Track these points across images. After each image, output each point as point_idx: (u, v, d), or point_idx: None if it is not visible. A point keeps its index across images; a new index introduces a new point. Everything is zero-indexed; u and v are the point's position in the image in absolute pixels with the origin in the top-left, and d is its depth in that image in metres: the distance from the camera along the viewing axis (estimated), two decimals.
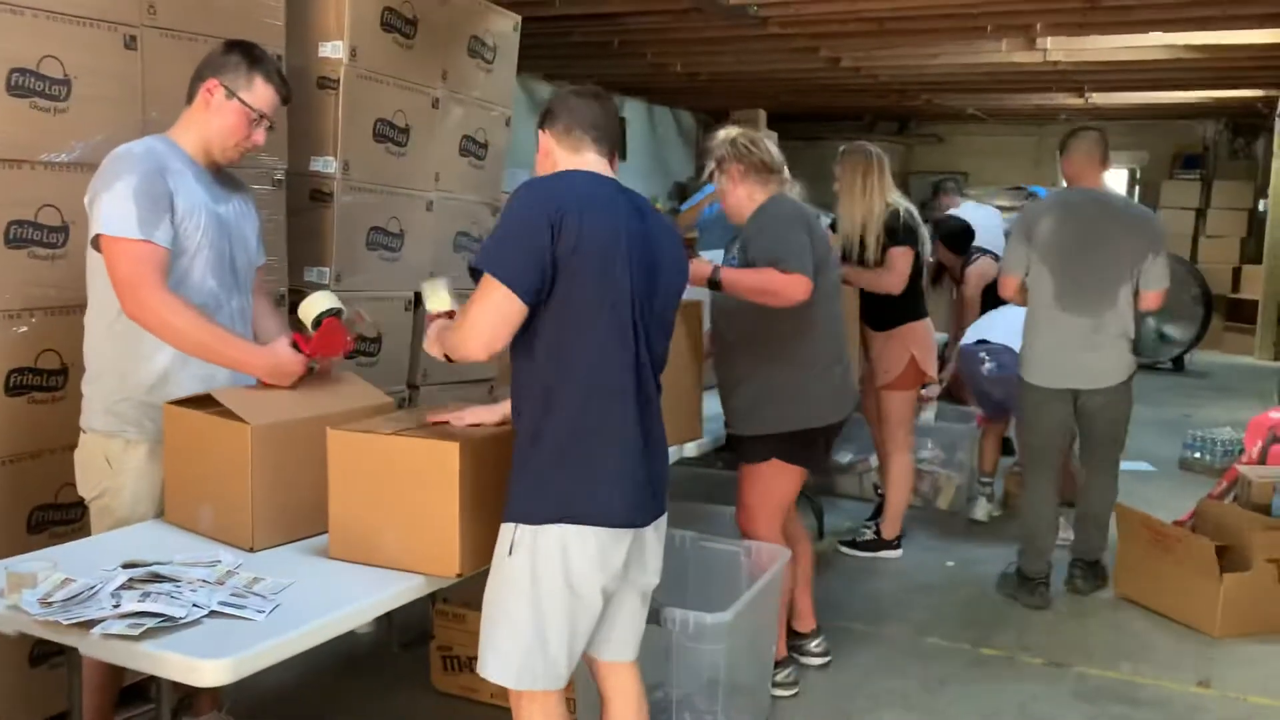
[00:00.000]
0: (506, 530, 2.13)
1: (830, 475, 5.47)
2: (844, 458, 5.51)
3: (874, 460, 5.36)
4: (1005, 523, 5.09)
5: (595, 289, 2.08)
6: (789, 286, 3.00)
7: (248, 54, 2.53)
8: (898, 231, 4.30)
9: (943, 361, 5.41)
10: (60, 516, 2.83)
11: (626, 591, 2.27)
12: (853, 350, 4.22)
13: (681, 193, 10.51)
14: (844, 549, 4.70)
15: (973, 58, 7.56)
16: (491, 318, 2.04)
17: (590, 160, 2.24)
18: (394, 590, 2.17)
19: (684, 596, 3.20)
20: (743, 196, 3.25)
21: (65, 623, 1.87)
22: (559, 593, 2.11)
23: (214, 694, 2.73)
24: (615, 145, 2.30)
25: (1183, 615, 3.95)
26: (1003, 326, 4.81)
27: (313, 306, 2.55)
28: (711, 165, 3.30)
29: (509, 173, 4.50)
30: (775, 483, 3.28)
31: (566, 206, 2.04)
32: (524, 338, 2.10)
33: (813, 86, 9.29)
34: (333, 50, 3.53)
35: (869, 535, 4.73)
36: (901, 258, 4.31)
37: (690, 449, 3.38)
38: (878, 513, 4.79)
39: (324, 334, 2.52)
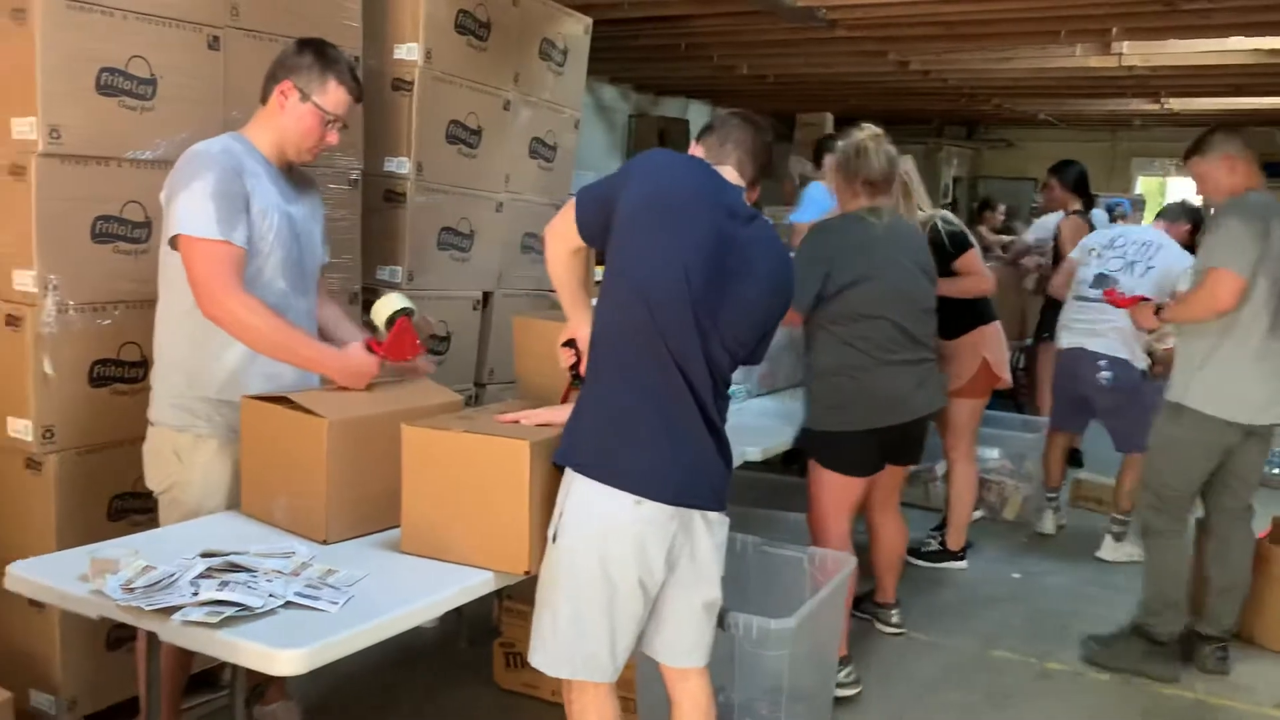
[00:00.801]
0: (554, 516, 2.18)
1: None
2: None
3: (940, 469, 5.31)
4: (1071, 535, 5.01)
5: (639, 260, 2.13)
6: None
7: (321, 55, 2.55)
8: (949, 241, 4.18)
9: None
10: (139, 505, 2.89)
11: (677, 594, 2.26)
12: None
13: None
14: (909, 559, 4.65)
15: (1045, 62, 7.42)
16: (566, 217, 2.26)
17: (726, 174, 2.30)
18: (463, 586, 2.18)
19: (745, 602, 3.18)
20: (840, 205, 3.43)
21: (147, 609, 1.91)
22: (595, 580, 2.14)
23: (281, 683, 2.78)
24: (758, 171, 2.35)
25: (1262, 637, 3.85)
26: (1111, 335, 4.65)
27: (385, 307, 2.59)
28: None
29: (577, 175, 4.51)
30: (823, 487, 3.38)
31: (643, 171, 2.19)
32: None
33: (880, 90, 9.20)
34: (408, 53, 3.58)
35: (934, 546, 4.67)
36: (973, 259, 4.24)
37: (753, 453, 3.37)
38: (944, 523, 4.74)
39: (396, 335, 2.55)
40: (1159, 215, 5.43)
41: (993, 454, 5.28)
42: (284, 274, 2.55)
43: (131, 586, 2.00)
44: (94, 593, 2.00)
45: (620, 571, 2.14)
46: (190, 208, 2.38)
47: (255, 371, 2.51)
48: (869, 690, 3.40)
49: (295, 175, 2.66)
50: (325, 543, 2.33)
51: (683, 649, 2.32)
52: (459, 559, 2.24)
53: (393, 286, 3.64)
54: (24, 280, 2.67)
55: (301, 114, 2.52)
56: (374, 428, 2.38)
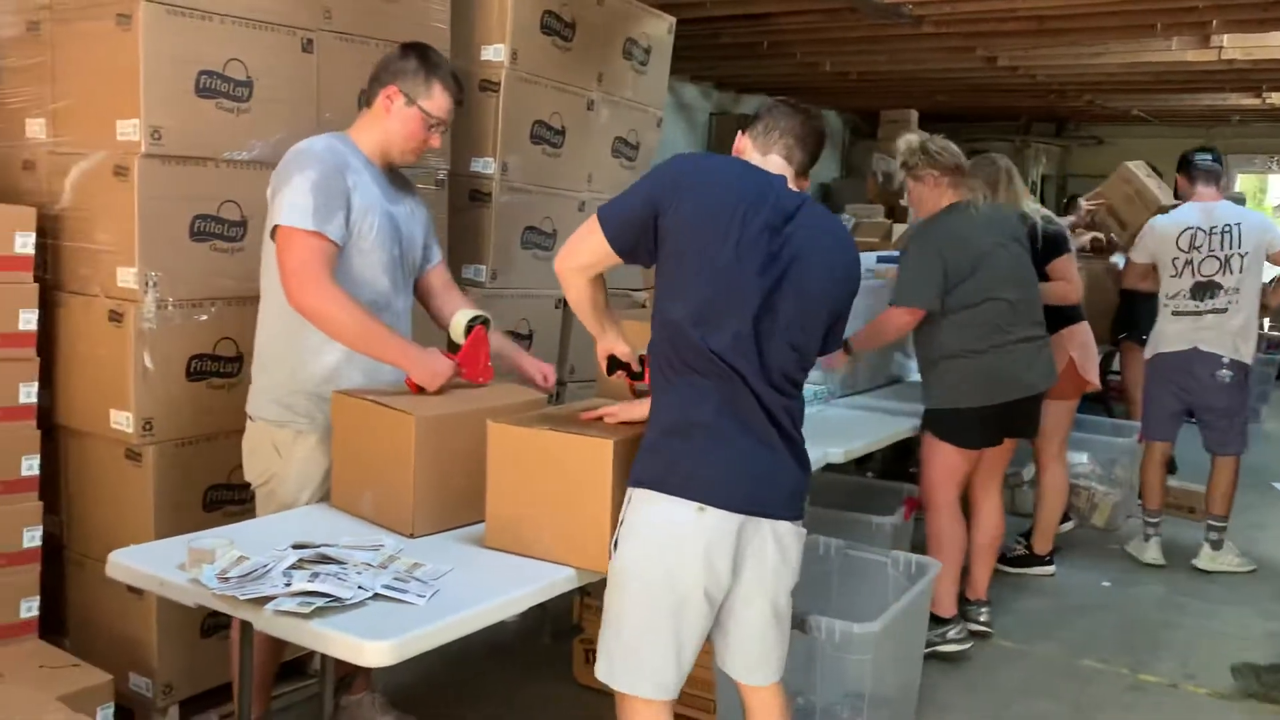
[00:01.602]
0: (616, 523, 2.14)
1: None
2: None
3: (1027, 473, 5.20)
4: (1164, 543, 4.83)
5: (689, 266, 2.08)
6: (890, 324, 3.57)
7: (425, 60, 2.58)
8: (1046, 241, 4.12)
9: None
10: (233, 496, 2.98)
11: (742, 606, 2.18)
12: None
13: (825, 193, 10.39)
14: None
15: (1140, 56, 7.22)
16: (588, 243, 2.19)
17: (773, 163, 2.24)
18: (546, 582, 2.19)
19: (827, 605, 3.16)
20: (931, 204, 3.56)
21: (242, 598, 1.96)
22: (659, 591, 2.08)
23: (368, 675, 2.83)
24: (808, 157, 2.27)
25: None
26: (1224, 334, 4.50)
27: (462, 318, 2.61)
28: (901, 173, 3.60)
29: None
30: (934, 455, 3.60)
31: (682, 179, 2.12)
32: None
33: (967, 86, 9.04)
34: (494, 54, 3.62)
35: (1020, 550, 4.57)
36: (1068, 264, 4.17)
37: (836, 454, 3.33)
38: (1032, 529, 4.64)
39: (472, 344, 2.57)
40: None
41: (1082, 459, 5.15)
42: (387, 272, 2.59)
43: (226, 576, 2.05)
44: (191, 582, 2.05)
45: (685, 581, 2.08)
46: (291, 199, 2.42)
47: (355, 368, 2.55)
48: (951, 698, 3.34)
49: (396, 177, 2.70)
50: (412, 536, 2.36)
51: (750, 664, 2.25)
52: (541, 555, 2.25)
53: (476, 285, 3.68)
54: (126, 277, 2.76)
55: (406, 118, 2.56)
56: (460, 424, 2.40)
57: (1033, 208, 4.18)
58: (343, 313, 2.42)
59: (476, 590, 2.11)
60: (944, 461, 3.58)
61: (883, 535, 3.60)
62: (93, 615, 2.99)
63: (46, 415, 2.97)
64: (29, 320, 2.82)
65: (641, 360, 2.39)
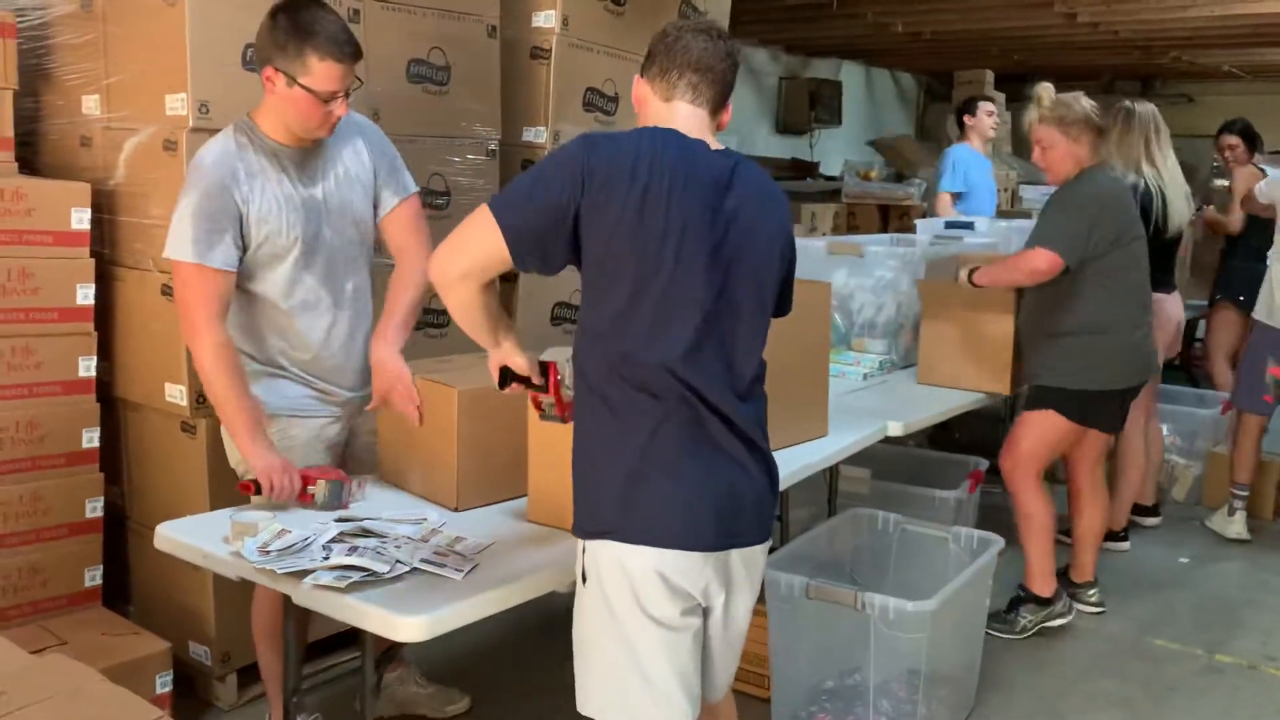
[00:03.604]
0: (578, 553, 1.89)
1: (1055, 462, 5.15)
2: None
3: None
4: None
5: (626, 272, 1.77)
6: (1027, 264, 3.27)
7: (294, 26, 2.24)
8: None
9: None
10: None
11: (716, 626, 1.95)
12: None
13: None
14: (1065, 539, 4.42)
15: (1230, 8, 6.88)
16: (478, 243, 1.80)
17: (681, 113, 1.87)
18: None
19: (884, 581, 3.10)
20: (1069, 164, 3.35)
21: (280, 571, 1.97)
22: (639, 622, 1.81)
23: (399, 654, 2.82)
24: (720, 94, 1.90)
25: None
26: None
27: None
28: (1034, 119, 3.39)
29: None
30: (1047, 433, 3.39)
31: (597, 167, 1.76)
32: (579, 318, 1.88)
33: (1045, 44, 8.72)
34: (545, 20, 3.55)
35: None
36: None
37: (896, 427, 3.24)
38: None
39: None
40: None
41: (1163, 430, 4.95)
42: (311, 269, 2.40)
43: (268, 549, 2.07)
44: (233, 554, 2.07)
45: (661, 609, 1.81)
46: (175, 226, 2.28)
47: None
48: (1015, 677, 3.25)
49: (319, 145, 2.41)
50: (456, 510, 2.36)
51: (719, 684, 2.05)
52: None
53: None
54: None
55: (293, 99, 2.26)
56: (501, 398, 2.38)
57: (1146, 173, 3.99)
58: (214, 371, 2.28)
59: (515, 565, 2.09)
60: (1054, 439, 3.40)
61: (945, 510, 3.50)
62: (154, 584, 3.05)
63: (107, 388, 3.03)
64: (86, 295, 2.87)
65: (544, 368, 2.03)
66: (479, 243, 1.80)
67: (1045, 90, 3.39)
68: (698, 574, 1.83)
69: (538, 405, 2.09)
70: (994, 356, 3.62)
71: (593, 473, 1.85)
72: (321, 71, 2.24)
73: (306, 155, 2.39)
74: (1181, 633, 3.61)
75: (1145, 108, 4.08)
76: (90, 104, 2.99)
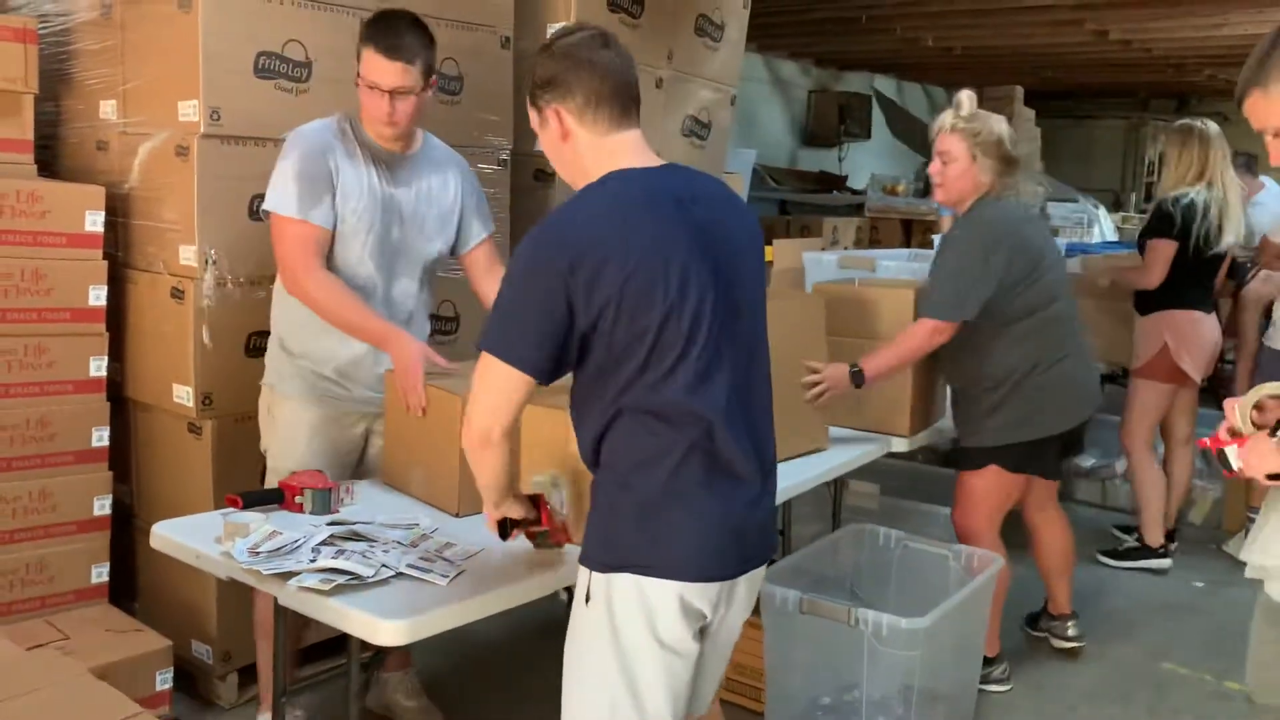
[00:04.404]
0: (581, 575, 1.84)
1: (1068, 479, 5.11)
2: (1085, 462, 5.13)
3: (1120, 466, 4.98)
4: None
5: (639, 328, 1.70)
6: (924, 342, 2.96)
7: (364, 28, 2.51)
8: (1152, 221, 4.08)
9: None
10: None
11: (718, 640, 1.94)
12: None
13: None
14: (1104, 559, 4.36)
15: (1265, 26, 6.80)
16: (490, 400, 1.77)
17: (625, 144, 1.80)
18: (573, 566, 2.17)
19: (885, 597, 3.08)
20: (966, 185, 3.01)
21: (266, 573, 1.99)
22: (648, 648, 1.78)
23: (402, 653, 2.84)
24: (635, 97, 1.82)
25: None
26: None
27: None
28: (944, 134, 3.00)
29: (733, 152, 4.44)
30: (994, 488, 3.15)
31: (578, 257, 1.67)
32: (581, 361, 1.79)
33: (1078, 61, 8.69)
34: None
35: (1131, 542, 4.38)
36: (1153, 250, 4.03)
37: (900, 444, 3.23)
38: (1131, 526, 4.49)
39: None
40: None
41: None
42: (373, 257, 2.55)
43: (257, 550, 2.10)
44: (224, 555, 2.10)
45: (672, 635, 1.79)
46: (276, 186, 2.46)
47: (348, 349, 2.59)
48: (1018, 697, 3.22)
49: (420, 157, 2.63)
50: (458, 515, 2.37)
51: (707, 695, 2.02)
52: (576, 538, 2.22)
53: None
54: (187, 255, 2.84)
55: (361, 90, 2.48)
56: None
57: (1193, 188, 3.98)
58: (328, 300, 2.46)
59: (501, 572, 2.11)
60: (999, 496, 3.14)
61: (947, 526, 3.48)
62: (159, 582, 3.09)
63: (118, 388, 3.08)
64: (99, 296, 2.92)
65: (535, 501, 2.06)
66: (508, 392, 1.75)
67: (967, 98, 3.02)
68: (712, 598, 1.82)
69: (532, 538, 2.10)
70: None
71: (610, 506, 1.81)
72: (369, 62, 2.43)
73: (396, 160, 2.57)
74: (1191, 658, 3.56)
75: (1211, 127, 4.11)
76: (107, 109, 3.05)
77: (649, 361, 1.71)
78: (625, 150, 1.80)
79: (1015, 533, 3.33)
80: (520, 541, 2.18)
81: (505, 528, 2.04)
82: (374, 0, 3.06)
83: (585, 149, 1.81)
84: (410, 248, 2.63)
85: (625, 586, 1.77)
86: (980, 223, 2.99)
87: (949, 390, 3.29)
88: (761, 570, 1.93)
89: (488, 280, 2.72)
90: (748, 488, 1.82)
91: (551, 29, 3.60)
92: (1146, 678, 3.42)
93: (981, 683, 3.16)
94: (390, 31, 2.45)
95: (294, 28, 2.89)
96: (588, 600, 1.81)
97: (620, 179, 1.77)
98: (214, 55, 2.75)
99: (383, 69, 2.42)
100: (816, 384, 2.95)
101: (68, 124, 3.22)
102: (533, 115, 1.86)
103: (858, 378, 2.96)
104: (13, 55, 2.88)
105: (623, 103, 1.80)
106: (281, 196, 2.45)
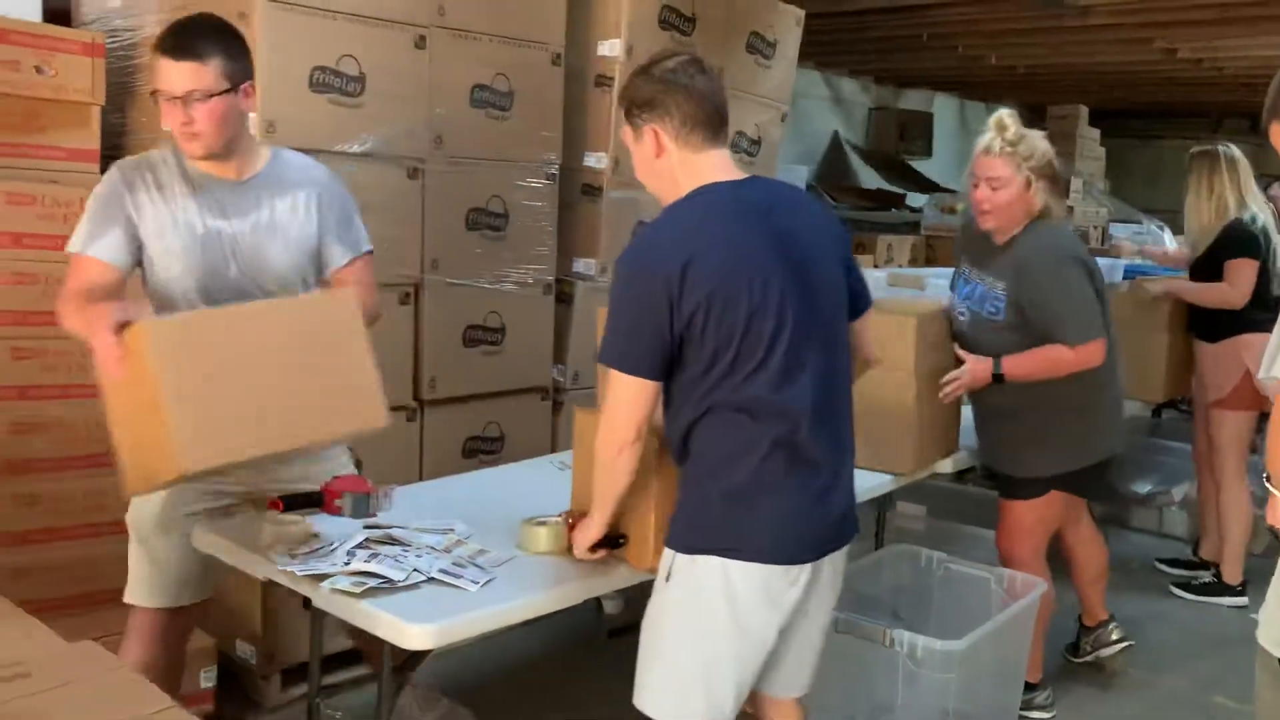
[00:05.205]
0: (665, 556, 1.99)
1: (1125, 506, 5.01)
2: (1142, 488, 5.02)
3: (1177, 493, 4.87)
4: None
5: (727, 331, 1.87)
6: (1085, 362, 2.84)
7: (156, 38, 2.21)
8: (1235, 241, 3.96)
9: None
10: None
11: (803, 628, 2.07)
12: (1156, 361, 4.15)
13: None
14: (1177, 590, 4.27)
15: None
16: (628, 410, 1.93)
17: (714, 161, 1.97)
18: (606, 577, 2.19)
19: (926, 619, 3.04)
20: (1018, 210, 2.91)
21: (300, 574, 2.04)
22: (725, 630, 1.93)
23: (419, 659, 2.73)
24: (727, 122, 2.00)
25: None
26: None
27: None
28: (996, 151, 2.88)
29: (783, 169, 4.44)
30: (1045, 515, 3.11)
31: (676, 270, 1.84)
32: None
33: (1146, 80, 8.52)
34: (610, 49, 3.62)
35: (1207, 578, 4.28)
36: (1239, 269, 3.93)
37: (945, 465, 3.20)
38: (1195, 550, 4.41)
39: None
40: None
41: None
42: (204, 298, 2.25)
43: (295, 552, 2.14)
44: (263, 557, 2.15)
45: (752, 619, 1.94)
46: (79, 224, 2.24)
47: None
48: None
49: (261, 181, 2.30)
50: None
51: (799, 680, 2.15)
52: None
53: (586, 280, 3.71)
54: None
55: (161, 109, 2.17)
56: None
57: (1253, 207, 3.96)
58: (66, 322, 2.14)
59: (532, 581, 2.13)
60: (1052, 516, 3.11)
61: (990, 549, 3.43)
62: None
63: None
64: None
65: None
66: (640, 399, 1.92)
67: (1010, 118, 2.92)
68: (795, 581, 1.96)
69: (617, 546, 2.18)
70: None
71: (700, 494, 1.95)
72: (157, 70, 2.16)
73: (228, 190, 2.27)
74: (1244, 691, 3.40)
75: (1236, 150, 4.07)
76: None
77: (736, 361, 1.87)
78: (714, 166, 1.96)
79: (1056, 556, 3.28)
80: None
81: (613, 541, 2.15)
82: (427, 16, 3.13)
83: (678, 165, 1.97)
84: (256, 284, 2.28)
85: (710, 568, 1.91)
86: (1053, 247, 2.91)
87: (981, 421, 3.18)
88: (843, 552, 2.07)
89: (357, 289, 2.33)
90: (827, 475, 1.97)
91: (601, 46, 3.64)
92: (1196, 711, 3.34)
93: (1023, 709, 3.10)
94: (178, 33, 2.18)
95: (348, 43, 2.96)
96: (668, 578, 1.96)
97: (708, 193, 1.94)
98: (270, 69, 2.82)
99: (169, 72, 2.13)
100: (955, 377, 2.92)
101: (133, 134, 3.32)
102: (627, 133, 2.03)
103: (999, 378, 2.89)
104: (82, 68, 2.99)
105: (715, 124, 1.96)
106: (74, 236, 2.22)
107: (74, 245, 2.22)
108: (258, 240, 2.29)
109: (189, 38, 2.16)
